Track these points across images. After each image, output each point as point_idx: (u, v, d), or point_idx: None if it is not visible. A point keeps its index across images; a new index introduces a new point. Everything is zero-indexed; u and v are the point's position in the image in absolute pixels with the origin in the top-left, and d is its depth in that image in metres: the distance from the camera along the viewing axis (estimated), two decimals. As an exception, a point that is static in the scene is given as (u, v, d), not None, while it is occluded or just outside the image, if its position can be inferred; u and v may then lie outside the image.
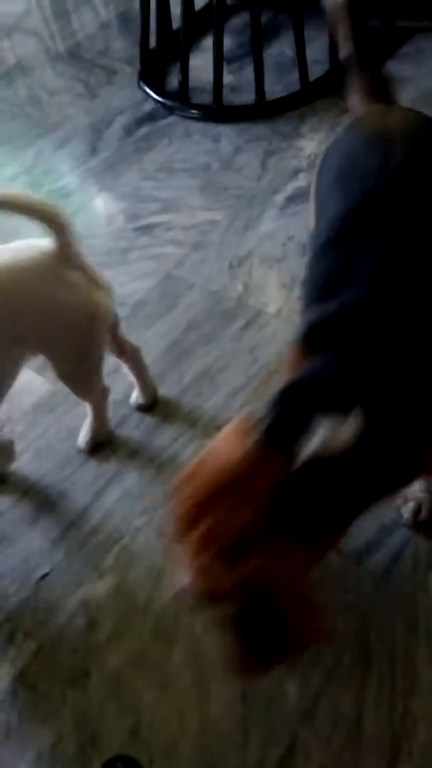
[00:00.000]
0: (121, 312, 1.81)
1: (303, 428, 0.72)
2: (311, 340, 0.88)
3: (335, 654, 1.14)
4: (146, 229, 2.02)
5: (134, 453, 1.52)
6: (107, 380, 1.47)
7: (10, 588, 1.33)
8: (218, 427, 1.50)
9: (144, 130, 2.35)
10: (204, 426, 1.53)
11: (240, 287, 1.79)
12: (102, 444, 1.53)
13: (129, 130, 2.37)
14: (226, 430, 0.80)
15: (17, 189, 2.25)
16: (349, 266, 0.89)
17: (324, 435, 0.70)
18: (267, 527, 0.67)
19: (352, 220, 0.93)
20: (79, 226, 2.12)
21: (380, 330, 0.82)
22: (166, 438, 1.53)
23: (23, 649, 1.24)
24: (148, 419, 1.58)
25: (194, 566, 0.68)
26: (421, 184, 0.95)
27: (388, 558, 1.24)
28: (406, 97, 1.89)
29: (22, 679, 1.20)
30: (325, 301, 0.88)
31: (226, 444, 0.76)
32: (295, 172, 2.06)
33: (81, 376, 1.40)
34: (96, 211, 2.14)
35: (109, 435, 1.55)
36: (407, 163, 0.96)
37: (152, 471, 1.48)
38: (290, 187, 2.01)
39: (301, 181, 2.02)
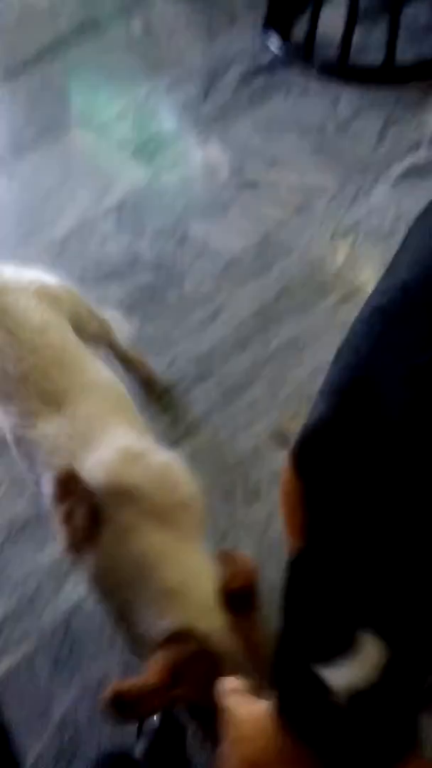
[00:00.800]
0: (213, 268, 1.78)
1: (317, 695, 0.57)
2: (302, 467, 0.69)
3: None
4: (250, 185, 1.95)
5: (210, 412, 1.50)
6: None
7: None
8: (301, 399, 1.48)
9: (261, 80, 2.25)
10: (285, 397, 1.49)
11: (340, 260, 1.72)
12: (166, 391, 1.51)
13: (245, 79, 2.27)
14: (242, 711, 0.65)
15: (126, 126, 2.22)
16: (373, 360, 0.70)
17: (345, 679, 0.56)
18: None
19: (405, 297, 0.74)
20: (181, 173, 2.09)
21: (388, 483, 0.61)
22: (244, 402, 1.50)
23: (79, 583, 1.26)
24: (230, 380, 1.54)
25: None
26: None
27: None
28: None
29: (77, 613, 1.22)
30: (332, 399, 0.70)
31: (253, 729, 0.63)
32: (416, 146, 1.94)
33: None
34: (200, 160, 2.08)
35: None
36: None
37: (226, 433, 1.46)
38: (408, 161, 1.90)
39: (421, 156, 1.90)
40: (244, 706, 0.65)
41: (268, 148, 2.04)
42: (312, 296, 1.66)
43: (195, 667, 0.75)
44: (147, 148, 2.14)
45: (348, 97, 2.12)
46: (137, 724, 1.06)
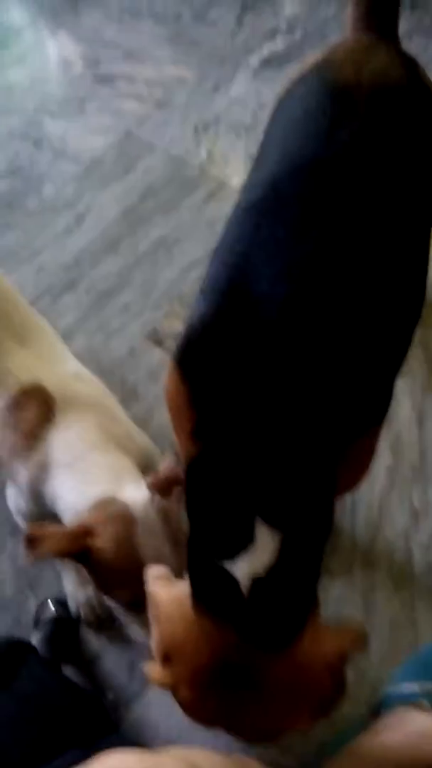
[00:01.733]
0: (74, 169, 1.69)
1: (225, 582, 0.64)
2: (186, 370, 0.71)
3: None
4: (107, 79, 1.84)
5: (83, 319, 1.47)
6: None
7: None
8: (172, 298, 1.49)
9: (109, -37, 2.09)
10: (157, 297, 1.49)
11: (204, 155, 1.69)
12: None
13: (92, -39, 2.09)
14: (164, 590, 0.71)
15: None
16: (249, 258, 0.71)
17: (247, 568, 0.63)
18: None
19: (276, 192, 0.74)
20: (30, 68, 1.93)
21: (268, 380, 0.64)
22: (116, 306, 1.48)
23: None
24: (100, 285, 1.51)
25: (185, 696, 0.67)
26: (363, 169, 0.73)
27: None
28: None
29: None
30: (211, 300, 0.71)
31: (172, 610, 0.68)
32: (273, 34, 1.89)
33: None
34: (50, 52, 1.92)
35: None
36: (359, 138, 0.75)
37: (100, 338, 1.44)
38: (266, 50, 1.86)
39: (279, 44, 1.87)
40: (166, 589, 0.70)
41: (122, 38, 1.92)
42: (178, 194, 1.63)
43: (110, 525, 0.82)
44: (-10, 42, 1.95)
45: (202, -19, 2.02)
46: (35, 616, 1.10)
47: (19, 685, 0.89)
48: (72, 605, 1.10)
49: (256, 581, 0.62)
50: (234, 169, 1.66)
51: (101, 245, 1.57)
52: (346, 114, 0.76)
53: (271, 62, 1.83)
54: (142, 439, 1.12)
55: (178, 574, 0.75)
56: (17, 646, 0.96)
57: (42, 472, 0.95)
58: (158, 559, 0.80)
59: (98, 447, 0.95)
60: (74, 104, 1.80)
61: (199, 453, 0.67)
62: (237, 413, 0.66)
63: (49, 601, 1.10)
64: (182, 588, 0.69)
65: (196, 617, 0.65)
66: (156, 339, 1.43)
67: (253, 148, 1.68)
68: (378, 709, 1.01)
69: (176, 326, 1.44)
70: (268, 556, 0.63)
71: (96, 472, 0.93)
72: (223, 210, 1.59)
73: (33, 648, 1.00)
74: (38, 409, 0.97)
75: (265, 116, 1.78)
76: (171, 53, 1.87)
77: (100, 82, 1.84)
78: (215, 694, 0.65)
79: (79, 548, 0.80)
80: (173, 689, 0.66)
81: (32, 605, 1.13)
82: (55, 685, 0.94)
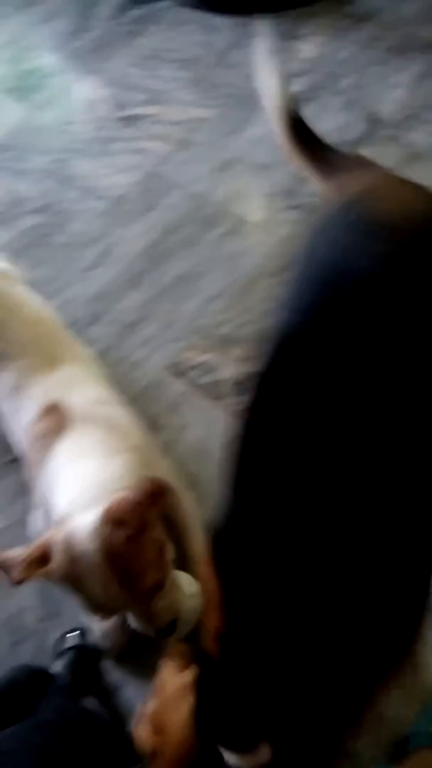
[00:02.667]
0: (100, 206, 1.75)
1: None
2: (216, 556, 0.72)
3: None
4: (131, 120, 1.91)
5: (106, 351, 1.51)
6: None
7: None
8: (193, 332, 1.52)
9: (136, 12, 2.18)
10: (178, 330, 1.52)
11: (224, 192, 1.74)
12: None
13: (120, 11, 2.19)
14: (169, 682, 0.73)
15: (-6, 62, 2.10)
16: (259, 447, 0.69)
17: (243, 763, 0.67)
18: None
19: (281, 356, 0.69)
20: (59, 110, 2.02)
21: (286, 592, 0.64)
22: (138, 339, 1.52)
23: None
24: (123, 318, 1.56)
25: None
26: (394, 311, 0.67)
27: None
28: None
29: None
30: (233, 494, 0.71)
31: (173, 697, 0.71)
32: (291, 76, 1.96)
33: None
34: (79, 95, 2.01)
35: None
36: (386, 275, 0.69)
37: (123, 370, 1.47)
38: (285, 91, 1.92)
39: (297, 85, 1.93)
40: (174, 675, 0.72)
41: (147, 81, 2.00)
42: (198, 230, 1.67)
43: (58, 553, 0.83)
44: (22, 86, 2.05)
45: (223, 28, 2.10)
46: (56, 646, 1.12)
47: (40, 714, 0.89)
48: (93, 635, 1.11)
49: None
50: (252, 206, 1.70)
51: (125, 279, 1.62)
52: (391, 248, 0.71)
53: (289, 103, 1.89)
54: (160, 461, 1.12)
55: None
56: (38, 676, 0.97)
57: (49, 490, 0.96)
58: (106, 593, 0.80)
59: (90, 456, 0.96)
60: (100, 144, 1.87)
61: (215, 662, 0.70)
62: (264, 621, 0.66)
63: (71, 631, 1.11)
64: (189, 678, 0.70)
65: (191, 725, 0.67)
66: (177, 371, 1.46)
67: (270, 187, 1.74)
68: (401, 749, 0.99)
69: (197, 358, 1.47)
70: (264, 759, 0.66)
71: (78, 482, 0.93)
72: (241, 245, 1.63)
73: (54, 677, 1.01)
74: (53, 428, 1.01)
75: (282, 156, 1.84)
76: (193, 95, 1.95)
77: (125, 123, 1.91)
78: None
79: (38, 575, 0.82)
80: (151, 759, 0.69)
81: (54, 634, 1.14)
82: (76, 715, 0.95)
